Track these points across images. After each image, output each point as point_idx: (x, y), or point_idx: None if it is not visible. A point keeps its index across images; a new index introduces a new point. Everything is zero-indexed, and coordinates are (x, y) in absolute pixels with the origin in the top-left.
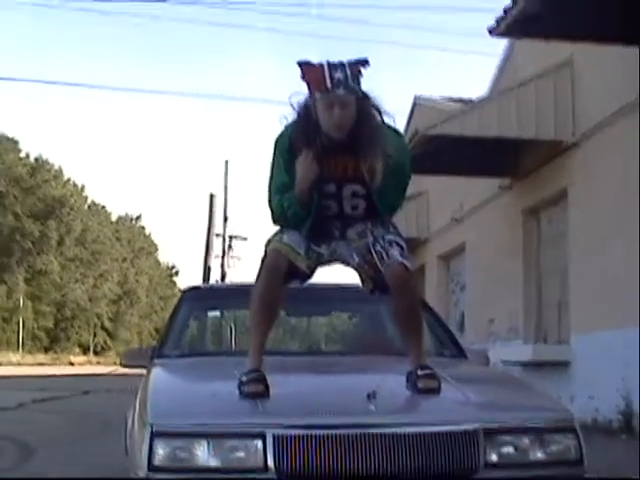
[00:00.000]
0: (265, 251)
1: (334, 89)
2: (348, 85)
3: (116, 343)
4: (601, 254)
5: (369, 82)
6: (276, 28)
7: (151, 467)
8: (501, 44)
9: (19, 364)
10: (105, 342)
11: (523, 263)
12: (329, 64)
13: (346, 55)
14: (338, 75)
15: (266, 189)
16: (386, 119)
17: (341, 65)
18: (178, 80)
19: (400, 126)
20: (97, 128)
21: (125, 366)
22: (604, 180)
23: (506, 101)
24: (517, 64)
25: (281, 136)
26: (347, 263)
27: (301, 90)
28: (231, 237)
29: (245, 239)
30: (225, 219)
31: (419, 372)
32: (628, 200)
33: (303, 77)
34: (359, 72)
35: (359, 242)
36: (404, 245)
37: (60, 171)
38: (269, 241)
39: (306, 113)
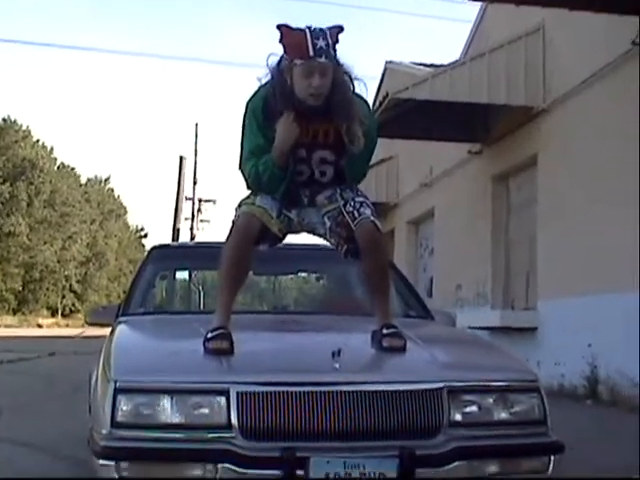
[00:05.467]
0: (236, 214)
1: (316, 57)
2: (329, 53)
3: (85, 305)
4: (570, 221)
5: (342, 47)
6: None
7: (114, 424)
8: (474, 10)
9: None
10: (73, 305)
11: (492, 229)
12: (311, 31)
13: (318, 20)
14: (320, 43)
15: (238, 152)
16: (357, 86)
17: (322, 32)
18: (148, 40)
19: (371, 91)
20: (66, 89)
21: (90, 324)
22: (574, 147)
23: (477, 66)
24: (489, 30)
25: (254, 97)
26: (316, 231)
27: (278, 52)
28: (200, 200)
29: (214, 202)
30: (194, 182)
31: (384, 331)
32: (597, 167)
33: (281, 40)
34: (336, 39)
35: (329, 206)
36: (372, 207)
37: (29, 132)
38: (240, 204)
39: (280, 76)
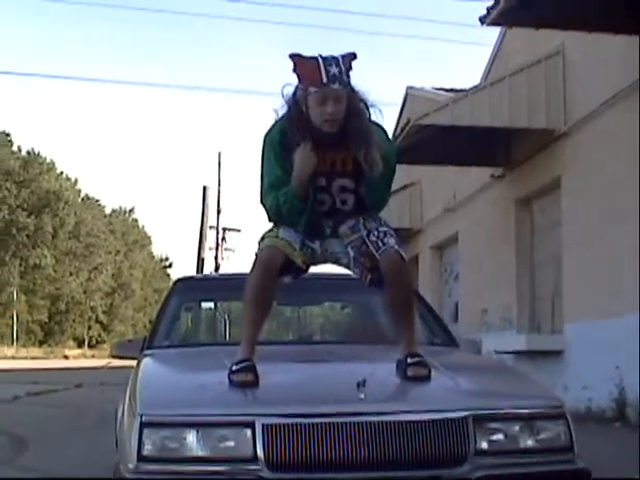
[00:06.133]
0: (259, 247)
1: (329, 84)
2: (342, 80)
3: (111, 336)
4: (595, 243)
5: (361, 74)
6: (268, 19)
7: (140, 457)
8: (493, 33)
9: (13, 358)
10: (99, 335)
11: (516, 253)
12: (323, 59)
13: (340, 47)
14: (333, 70)
15: (258, 186)
16: (372, 113)
17: (335, 59)
18: (170, 73)
19: (392, 118)
20: (89, 121)
21: (115, 357)
22: (597, 168)
23: (497, 90)
24: (509, 53)
25: (271, 130)
26: (339, 261)
27: (293, 82)
28: (225, 229)
29: (239, 231)
30: (218, 211)
31: (409, 360)
32: (621, 188)
33: (294, 70)
34: (350, 66)
35: (352, 236)
36: (396, 237)
37: (53, 164)
38: (263, 237)
39: (296, 106)
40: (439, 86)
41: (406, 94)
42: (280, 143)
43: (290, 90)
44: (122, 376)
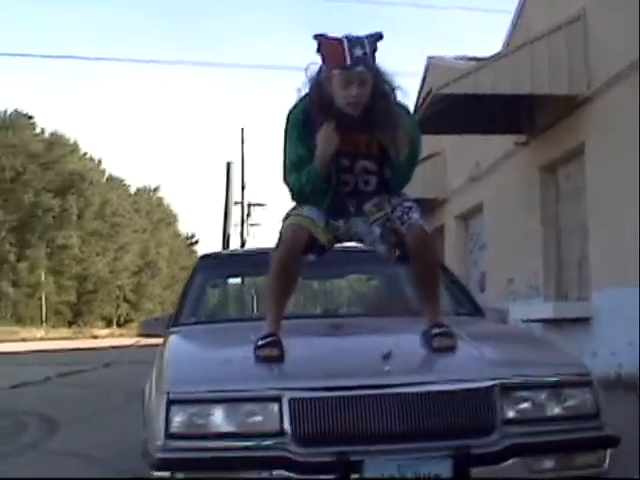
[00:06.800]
0: (283, 226)
1: (354, 66)
2: (367, 63)
3: (139, 314)
4: (620, 209)
5: (382, 52)
6: None
7: (168, 435)
8: (514, 0)
9: (43, 339)
10: (128, 314)
11: (542, 220)
12: (349, 40)
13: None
14: (358, 52)
15: (281, 165)
16: (398, 94)
17: (360, 41)
18: (192, 49)
19: (414, 88)
20: (111, 101)
21: (142, 335)
22: (620, 133)
23: (519, 57)
24: (529, 20)
25: (294, 109)
26: (364, 240)
27: (317, 61)
28: (249, 204)
29: (264, 206)
30: (243, 187)
31: (434, 330)
32: None
33: (319, 50)
34: (375, 47)
35: (377, 214)
36: (420, 211)
37: (76, 145)
38: (287, 216)
39: (319, 87)
40: (460, 54)
41: (427, 64)
42: (303, 123)
43: (314, 69)
44: (151, 354)
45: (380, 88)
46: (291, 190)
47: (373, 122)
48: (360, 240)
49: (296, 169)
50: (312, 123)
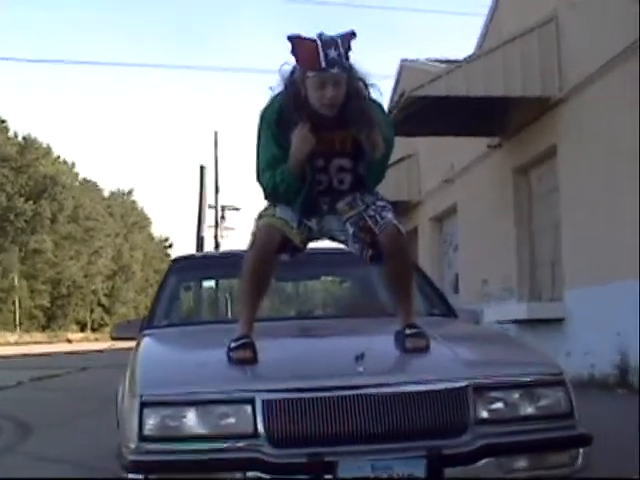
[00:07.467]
0: (256, 226)
1: (329, 68)
2: (342, 64)
3: (113, 319)
4: (592, 209)
5: (356, 50)
6: None
7: (141, 437)
8: (486, 2)
9: (16, 343)
10: (102, 318)
11: (515, 222)
12: (322, 41)
13: (331, 22)
14: (332, 53)
15: (255, 164)
16: (371, 92)
17: (334, 42)
18: (165, 53)
19: (387, 90)
20: (84, 105)
21: (115, 339)
22: (593, 135)
23: (491, 60)
24: (501, 22)
25: (268, 108)
26: (337, 238)
27: (290, 61)
28: (223, 207)
29: (238, 209)
30: (217, 190)
31: (407, 331)
32: (617, 154)
33: (293, 52)
34: (349, 46)
35: (351, 212)
36: (393, 211)
37: (49, 149)
38: (260, 216)
39: (294, 87)
40: (433, 57)
41: (400, 67)
42: (277, 122)
43: (287, 69)
44: (125, 358)
45: (354, 86)
46: (265, 189)
47: (348, 120)
48: (334, 238)
49: (270, 168)
50: (286, 123)
